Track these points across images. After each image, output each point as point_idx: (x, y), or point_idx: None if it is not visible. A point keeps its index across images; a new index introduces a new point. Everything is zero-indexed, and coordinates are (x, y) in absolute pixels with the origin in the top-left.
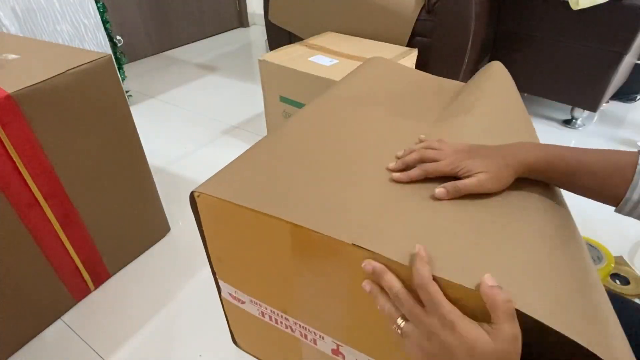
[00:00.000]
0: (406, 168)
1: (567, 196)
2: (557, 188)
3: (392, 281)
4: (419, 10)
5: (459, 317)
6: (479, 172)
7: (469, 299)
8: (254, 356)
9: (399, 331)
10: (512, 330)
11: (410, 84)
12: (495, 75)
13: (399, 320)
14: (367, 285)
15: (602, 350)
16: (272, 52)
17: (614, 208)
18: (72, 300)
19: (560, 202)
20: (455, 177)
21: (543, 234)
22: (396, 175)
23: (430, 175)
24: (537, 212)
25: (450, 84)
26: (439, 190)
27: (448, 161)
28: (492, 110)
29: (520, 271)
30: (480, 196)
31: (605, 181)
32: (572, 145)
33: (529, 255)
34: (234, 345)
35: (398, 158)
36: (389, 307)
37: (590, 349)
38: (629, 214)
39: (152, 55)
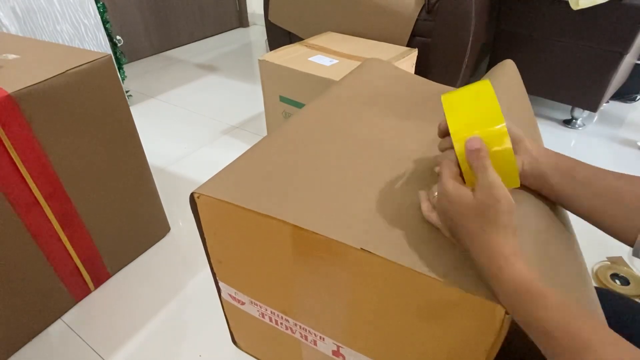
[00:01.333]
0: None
1: None
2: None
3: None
4: (419, 10)
5: (450, 185)
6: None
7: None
8: (254, 357)
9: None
10: (485, 180)
11: (409, 87)
12: (505, 74)
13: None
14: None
15: None
16: (272, 52)
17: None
18: (72, 300)
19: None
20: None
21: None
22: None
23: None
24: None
25: (445, 89)
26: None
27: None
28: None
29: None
30: None
31: (630, 208)
32: (572, 145)
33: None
34: (234, 345)
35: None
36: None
37: None
38: None
39: (152, 55)
